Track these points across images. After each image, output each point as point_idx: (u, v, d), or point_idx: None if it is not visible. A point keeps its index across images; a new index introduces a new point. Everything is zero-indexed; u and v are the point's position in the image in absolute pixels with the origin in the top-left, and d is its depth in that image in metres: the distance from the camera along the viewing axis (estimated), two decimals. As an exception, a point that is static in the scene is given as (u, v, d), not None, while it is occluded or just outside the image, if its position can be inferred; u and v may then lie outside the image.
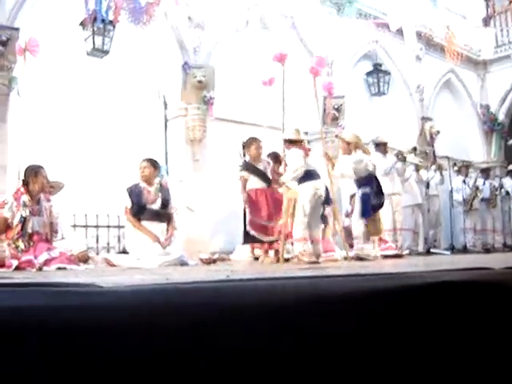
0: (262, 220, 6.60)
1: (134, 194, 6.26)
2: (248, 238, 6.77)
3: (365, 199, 6.50)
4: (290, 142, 6.05)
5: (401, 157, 8.92)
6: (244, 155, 7.04)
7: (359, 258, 6.36)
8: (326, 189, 6.30)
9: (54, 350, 1.10)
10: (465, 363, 1.52)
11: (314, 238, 5.85)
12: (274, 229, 6.57)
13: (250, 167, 6.80)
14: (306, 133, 10.81)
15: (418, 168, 9.83)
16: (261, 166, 6.84)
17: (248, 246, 7.09)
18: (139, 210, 6.22)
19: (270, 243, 6.66)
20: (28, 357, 1.08)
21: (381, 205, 6.68)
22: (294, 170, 5.86)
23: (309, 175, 5.91)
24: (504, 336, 1.60)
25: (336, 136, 7.42)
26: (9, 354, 1.07)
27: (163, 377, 1.19)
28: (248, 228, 6.64)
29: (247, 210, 6.74)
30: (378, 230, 6.72)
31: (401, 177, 9.04)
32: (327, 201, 6.49)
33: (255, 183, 6.74)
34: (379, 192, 6.61)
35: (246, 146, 6.92)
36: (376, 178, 6.71)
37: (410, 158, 9.28)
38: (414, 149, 9.92)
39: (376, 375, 1.40)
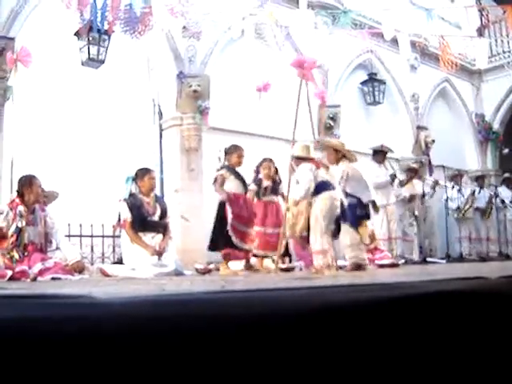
0: (241, 225, 6.39)
1: (135, 206, 6.13)
2: (223, 242, 6.27)
3: (351, 209, 6.35)
4: (299, 158, 6.00)
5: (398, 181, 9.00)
6: (224, 161, 6.91)
7: (356, 267, 6.28)
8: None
9: (50, 361, 1.09)
10: (461, 373, 1.52)
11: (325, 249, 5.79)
12: (249, 236, 6.42)
13: (230, 169, 6.66)
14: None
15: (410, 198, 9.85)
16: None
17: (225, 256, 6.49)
18: (141, 223, 6.11)
19: (247, 252, 6.49)
20: (23, 368, 1.07)
21: (366, 215, 6.48)
22: (305, 185, 5.77)
23: (323, 186, 5.84)
24: (500, 346, 1.60)
25: (318, 142, 7.25)
26: (4, 365, 1.06)
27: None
28: (230, 232, 6.22)
29: (229, 212, 6.30)
30: (371, 239, 6.62)
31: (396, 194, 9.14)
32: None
33: (234, 186, 6.54)
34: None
35: (227, 152, 6.81)
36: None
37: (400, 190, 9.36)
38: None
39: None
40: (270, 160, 7.04)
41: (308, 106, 6.69)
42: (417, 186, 9.97)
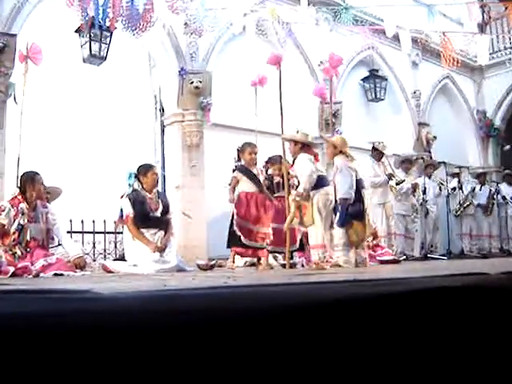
0: (248, 224, 6.51)
1: (138, 201, 6.14)
2: (233, 241, 6.52)
3: (343, 207, 5.94)
4: (296, 145, 5.92)
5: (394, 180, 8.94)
6: (239, 160, 7.03)
7: (337, 266, 6.07)
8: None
9: (54, 355, 1.10)
10: (461, 368, 1.53)
11: (324, 244, 5.75)
12: (259, 234, 6.52)
13: (244, 170, 6.75)
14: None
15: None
16: (254, 172, 6.81)
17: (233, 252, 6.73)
18: (143, 219, 6.13)
19: (254, 250, 6.56)
20: (28, 362, 1.08)
21: (359, 212, 6.06)
22: (309, 176, 5.68)
23: (321, 181, 5.80)
24: (500, 341, 1.61)
25: (321, 137, 7.20)
26: (9, 360, 1.07)
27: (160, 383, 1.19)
28: (235, 228, 6.45)
29: (235, 212, 6.57)
30: (361, 239, 6.25)
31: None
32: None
33: (247, 186, 6.65)
34: (358, 200, 6.04)
35: (240, 150, 6.90)
36: (357, 184, 6.15)
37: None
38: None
39: (374, 382, 1.41)
40: (280, 157, 7.02)
41: (329, 102, 6.72)
42: (417, 179, 9.99)
